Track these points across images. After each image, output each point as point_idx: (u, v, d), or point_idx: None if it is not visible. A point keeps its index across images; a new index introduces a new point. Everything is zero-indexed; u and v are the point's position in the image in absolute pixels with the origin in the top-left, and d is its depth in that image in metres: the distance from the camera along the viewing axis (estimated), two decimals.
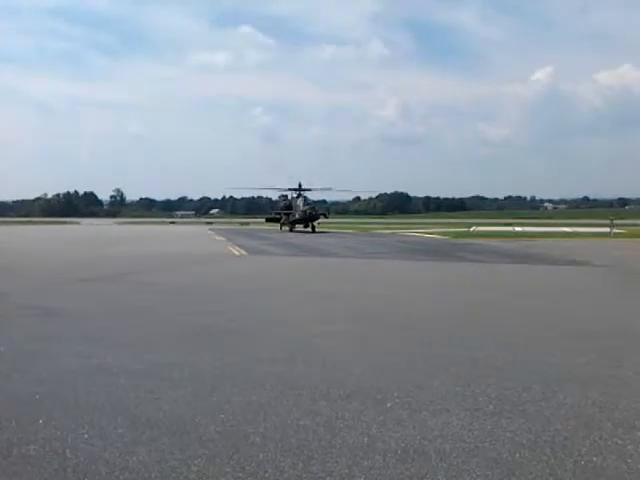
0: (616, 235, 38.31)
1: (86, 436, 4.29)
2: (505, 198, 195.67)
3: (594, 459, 3.94)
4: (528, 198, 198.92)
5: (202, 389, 5.39)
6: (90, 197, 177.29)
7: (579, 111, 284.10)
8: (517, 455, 4.00)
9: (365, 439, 4.26)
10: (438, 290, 13.15)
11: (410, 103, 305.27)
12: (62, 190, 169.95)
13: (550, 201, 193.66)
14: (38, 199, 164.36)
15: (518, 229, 50.56)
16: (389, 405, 4.97)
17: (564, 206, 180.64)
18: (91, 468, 3.78)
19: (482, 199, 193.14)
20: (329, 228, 52.83)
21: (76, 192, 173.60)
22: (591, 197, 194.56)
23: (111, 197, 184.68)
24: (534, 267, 18.91)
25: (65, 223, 77.78)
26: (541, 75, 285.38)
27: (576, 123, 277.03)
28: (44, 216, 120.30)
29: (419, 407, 4.92)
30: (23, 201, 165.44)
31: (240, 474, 3.71)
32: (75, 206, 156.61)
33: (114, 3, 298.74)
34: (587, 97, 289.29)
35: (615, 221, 42.46)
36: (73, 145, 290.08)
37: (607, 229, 40.40)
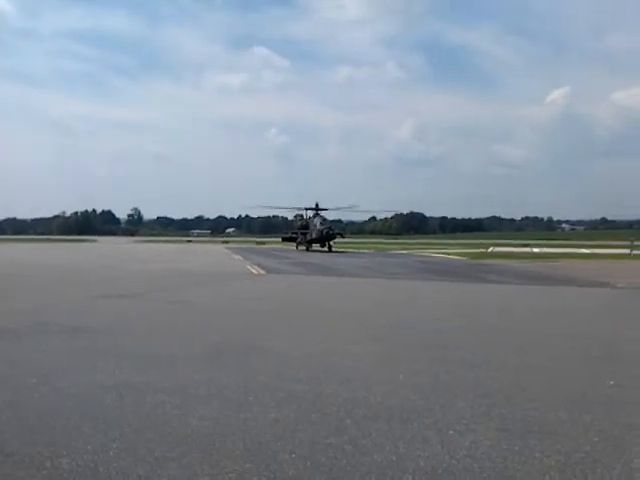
0: (636, 256, 37.94)
1: (117, 450, 4.34)
2: (522, 219, 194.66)
3: None
4: (545, 219, 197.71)
5: (229, 406, 5.42)
6: (108, 215, 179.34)
7: (596, 132, 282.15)
8: (547, 477, 3.98)
9: (393, 457, 4.26)
10: (462, 311, 13.08)
11: (426, 124, 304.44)
12: (80, 208, 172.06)
13: (567, 222, 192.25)
14: (56, 217, 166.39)
15: (536, 250, 50.25)
16: (415, 424, 4.97)
17: (581, 227, 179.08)
18: None
19: (499, 220, 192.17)
20: (345, 248, 52.87)
21: (94, 210, 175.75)
22: (609, 218, 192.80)
23: (129, 216, 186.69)
24: (556, 289, 18.77)
25: (83, 241, 78.41)
26: (557, 96, 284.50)
27: (593, 144, 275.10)
28: (62, 234, 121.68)
29: (446, 427, 4.91)
30: (41, 219, 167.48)
31: None
32: (93, 224, 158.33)
33: (131, 25, 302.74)
34: (604, 118, 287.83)
35: (635, 242, 42.02)
36: (91, 164, 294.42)
37: (626, 250, 40.02)
